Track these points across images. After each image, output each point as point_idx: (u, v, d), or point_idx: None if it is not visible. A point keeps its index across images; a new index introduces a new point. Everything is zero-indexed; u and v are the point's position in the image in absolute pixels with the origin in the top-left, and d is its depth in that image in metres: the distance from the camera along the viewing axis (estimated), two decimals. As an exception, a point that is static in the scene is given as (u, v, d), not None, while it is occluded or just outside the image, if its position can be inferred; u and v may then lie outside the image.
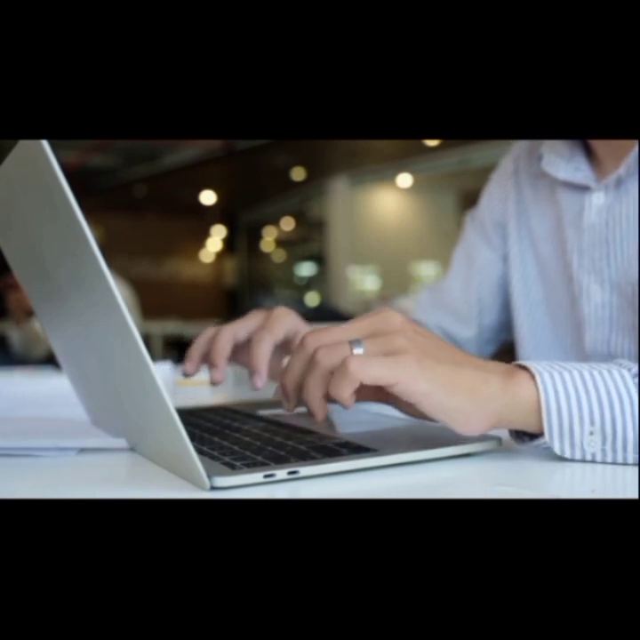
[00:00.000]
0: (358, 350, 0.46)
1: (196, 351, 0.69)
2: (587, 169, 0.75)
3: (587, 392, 0.46)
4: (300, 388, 0.49)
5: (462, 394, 0.45)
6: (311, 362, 0.47)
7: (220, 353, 0.67)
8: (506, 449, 0.52)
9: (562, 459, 0.49)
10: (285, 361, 0.67)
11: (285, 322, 0.68)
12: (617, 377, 0.47)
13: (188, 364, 0.69)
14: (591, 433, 0.46)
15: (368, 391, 0.49)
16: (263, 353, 0.65)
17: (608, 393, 0.46)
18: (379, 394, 0.49)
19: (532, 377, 0.47)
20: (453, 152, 6.35)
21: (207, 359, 0.69)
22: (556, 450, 0.47)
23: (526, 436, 0.50)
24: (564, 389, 0.46)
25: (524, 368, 0.48)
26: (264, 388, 0.65)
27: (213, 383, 0.67)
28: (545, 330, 0.83)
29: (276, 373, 0.72)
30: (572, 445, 0.46)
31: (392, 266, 7.82)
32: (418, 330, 0.48)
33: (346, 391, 0.45)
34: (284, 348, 0.70)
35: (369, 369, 0.44)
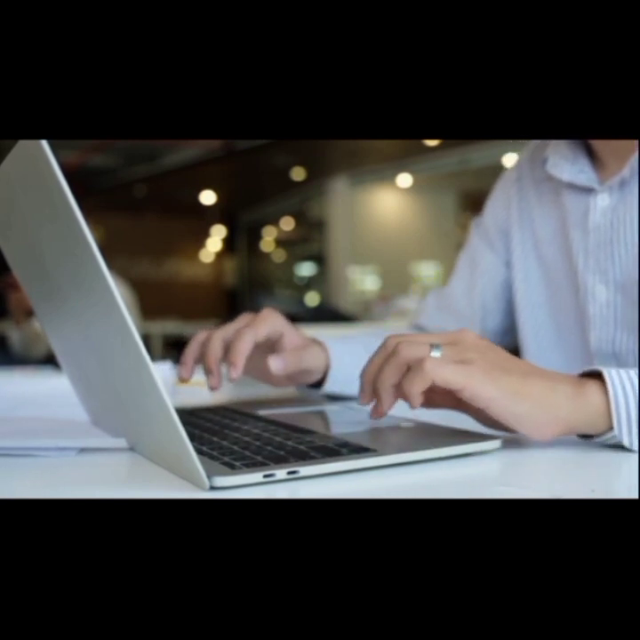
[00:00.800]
0: (436, 353, 0.50)
1: (189, 356, 0.71)
2: (590, 171, 0.76)
3: None
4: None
5: (530, 401, 0.48)
6: (392, 353, 0.51)
7: (214, 359, 0.68)
8: (506, 449, 0.52)
9: (562, 459, 0.49)
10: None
11: (269, 322, 0.70)
12: None
13: (183, 369, 0.71)
14: None
15: (440, 398, 0.53)
16: (242, 347, 0.66)
17: None
18: (450, 401, 0.53)
19: (600, 380, 0.50)
20: (453, 152, 6.35)
21: (202, 364, 0.70)
22: (626, 443, 0.49)
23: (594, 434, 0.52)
24: (632, 385, 0.49)
25: (590, 373, 0.51)
26: (240, 380, 0.67)
27: (211, 389, 0.69)
28: (548, 331, 0.83)
29: (259, 373, 0.73)
30: None
31: (392, 266, 7.81)
32: (490, 346, 0.52)
33: (417, 388, 0.48)
34: (268, 348, 0.71)
35: (442, 371, 0.48)
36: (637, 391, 0.49)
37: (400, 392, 0.50)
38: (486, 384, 0.48)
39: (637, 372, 0.50)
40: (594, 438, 0.52)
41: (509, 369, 0.50)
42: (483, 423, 0.53)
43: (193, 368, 0.71)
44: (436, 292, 0.98)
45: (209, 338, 0.69)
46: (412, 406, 0.49)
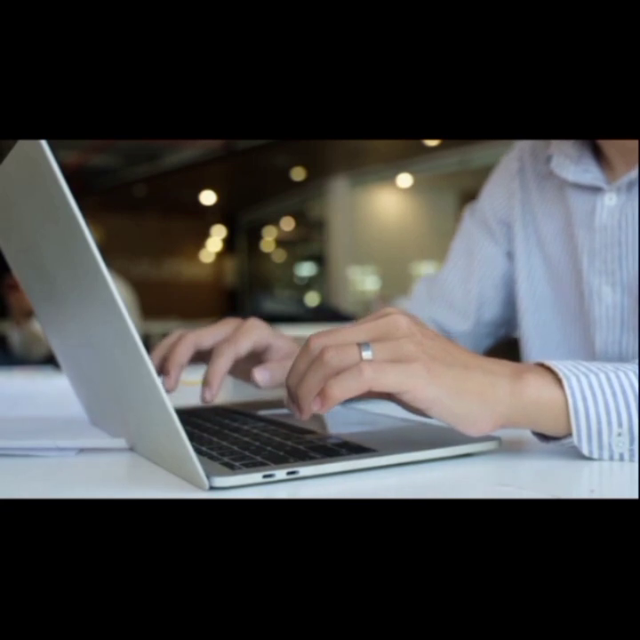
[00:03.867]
0: (367, 353, 0.45)
1: (155, 356, 0.67)
2: (596, 171, 0.74)
3: (614, 394, 0.47)
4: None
5: (471, 399, 0.46)
6: (317, 361, 0.46)
7: (175, 361, 0.64)
8: (506, 449, 0.52)
9: (561, 459, 0.49)
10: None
11: (253, 335, 0.66)
12: None
13: (166, 380, 0.66)
14: (619, 434, 0.47)
15: (372, 392, 0.48)
16: (219, 367, 0.63)
17: (635, 394, 0.47)
18: (381, 394, 0.48)
19: (555, 378, 0.47)
20: (453, 152, 6.35)
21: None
22: (585, 451, 0.47)
23: (551, 437, 0.50)
24: (592, 393, 0.47)
25: (549, 368, 0.48)
26: (234, 393, 0.64)
27: (167, 391, 0.62)
28: (552, 329, 0.82)
29: (246, 376, 0.68)
30: (601, 447, 0.47)
31: (392, 266, 7.82)
32: (425, 332, 0.48)
33: (351, 393, 0.44)
34: (254, 357, 0.67)
35: (383, 377, 0.44)
36: (605, 395, 0.47)
37: (322, 391, 0.45)
38: (429, 385, 0.44)
39: (603, 371, 0.48)
40: (550, 441, 0.50)
41: (450, 361, 0.46)
42: (413, 413, 0.48)
43: (156, 369, 0.66)
44: (427, 281, 0.94)
45: (178, 340, 0.65)
46: (322, 409, 0.44)
